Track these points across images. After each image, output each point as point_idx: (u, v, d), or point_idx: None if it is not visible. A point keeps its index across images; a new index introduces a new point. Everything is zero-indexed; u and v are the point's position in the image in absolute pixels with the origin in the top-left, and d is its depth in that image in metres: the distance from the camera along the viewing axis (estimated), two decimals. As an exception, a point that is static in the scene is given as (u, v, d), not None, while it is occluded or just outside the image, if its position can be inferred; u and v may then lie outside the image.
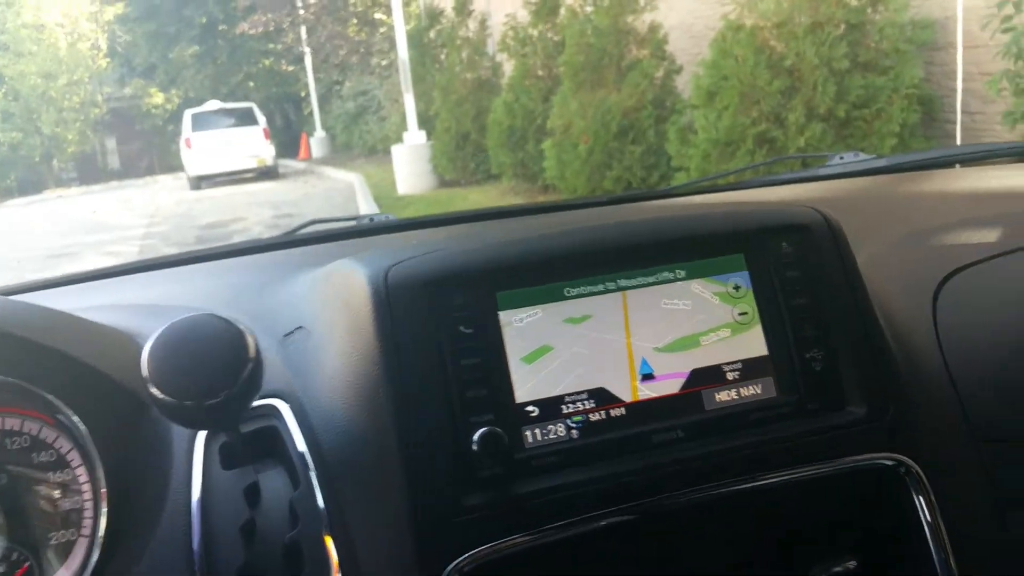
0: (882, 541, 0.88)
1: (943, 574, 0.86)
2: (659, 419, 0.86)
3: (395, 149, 12.08)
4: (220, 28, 25.65)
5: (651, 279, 0.89)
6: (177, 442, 0.83)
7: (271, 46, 24.29)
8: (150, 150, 28.04)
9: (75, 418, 0.79)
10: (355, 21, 20.38)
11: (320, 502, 0.80)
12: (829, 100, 6.05)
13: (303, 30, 21.19)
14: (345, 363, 0.84)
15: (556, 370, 0.85)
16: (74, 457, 0.79)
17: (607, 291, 0.87)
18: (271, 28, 21.17)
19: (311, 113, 22.47)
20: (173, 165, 20.03)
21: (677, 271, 0.89)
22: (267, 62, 26.08)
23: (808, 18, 6.05)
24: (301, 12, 20.67)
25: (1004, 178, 1.49)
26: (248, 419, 0.85)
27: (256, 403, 0.84)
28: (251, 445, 0.84)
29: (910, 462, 0.87)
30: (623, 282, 0.88)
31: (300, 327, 0.93)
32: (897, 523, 0.88)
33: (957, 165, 1.72)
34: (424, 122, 11.99)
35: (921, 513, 0.87)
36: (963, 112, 5.98)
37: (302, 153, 21.19)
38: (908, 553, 0.87)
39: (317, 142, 21.44)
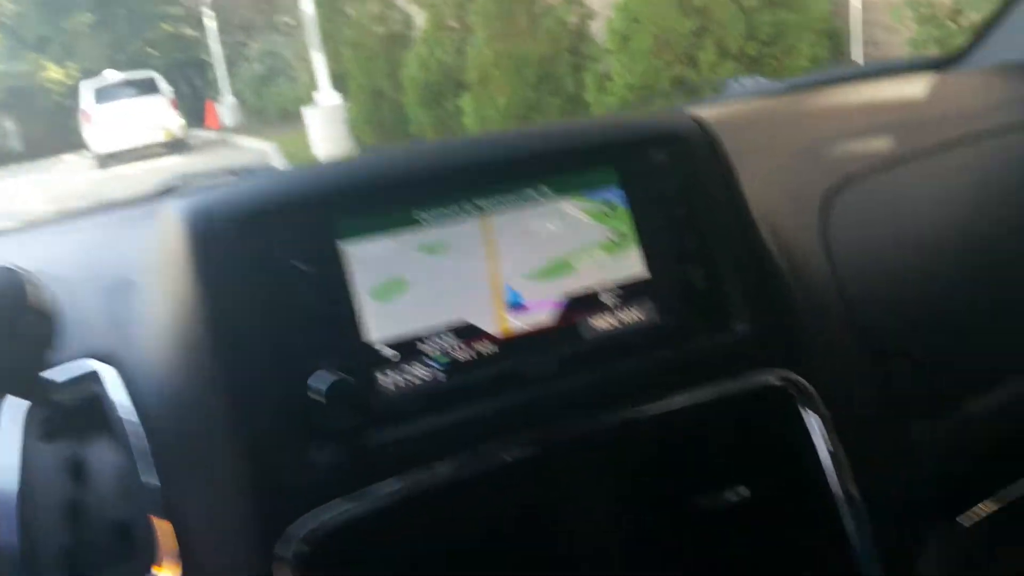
0: (775, 465, 0.82)
1: (841, 493, 0.80)
2: (532, 352, 0.78)
3: (307, 112, 11.67)
4: (114, -8, 24.49)
5: (514, 199, 0.80)
6: None
7: (170, 10, 23.26)
8: (54, 129, 26.81)
9: None
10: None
11: (148, 476, 0.71)
12: (739, 38, 6.04)
13: (202, -11, 20.32)
14: (167, 315, 0.75)
15: (412, 305, 0.76)
16: None
17: (465, 214, 0.79)
18: (169, -10, 20.23)
19: (217, 78, 21.73)
20: (79, 144, 19.08)
21: (543, 189, 0.81)
22: (167, 27, 24.98)
23: (716, -45, 6.01)
24: (199, -29, 19.80)
25: (899, 89, 1.44)
26: (68, 384, 0.74)
27: (76, 366, 0.74)
28: (74, 415, 0.74)
29: (800, 379, 0.81)
30: (482, 203, 0.79)
31: (127, 280, 0.83)
32: (791, 445, 0.82)
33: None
34: (337, 81, 11.62)
35: (814, 432, 0.81)
36: (868, 42, 6.03)
37: (209, 121, 20.42)
38: (803, 475, 0.82)
39: (228, 109, 20.65)
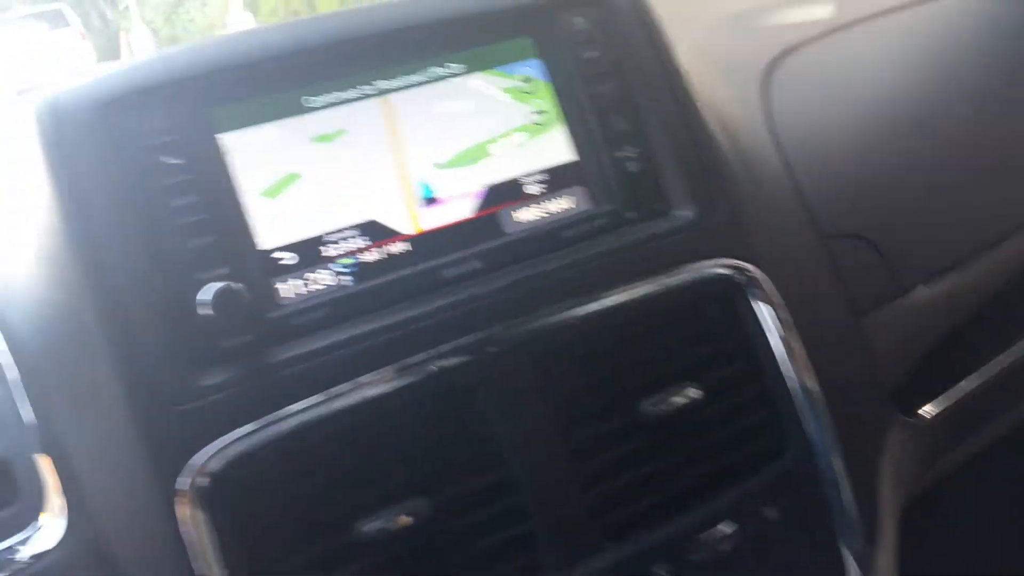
0: (727, 361, 0.75)
1: (798, 387, 0.74)
2: (449, 251, 0.70)
3: (222, 37, 11.18)
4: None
5: (418, 77, 0.70)
6: None
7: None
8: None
9: None
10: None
11: (24, 408, 0.62)
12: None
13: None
14: (27, 224, 0.64)
15: (310, 203, 0.66)
16: None
17: (363, 97, 0.69)
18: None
19: (128, 8, 20.70)
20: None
21: (450, 65, 0.72)
22: (72, -44, 23.64)
23: None
24: None
25: None
26: None
27: None
28: None
29: (750, 268, 0.74)
30: (383, 84, 0.69)
31: None
32: (742, 339, 0.75)
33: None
34: (249, 5, 11.12)
35: (767, 324, 0.74)
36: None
37: (124, 53, 19.52)
38: (758, 370, 0.75)
39: (138, 39, 19.77)
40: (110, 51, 19.97)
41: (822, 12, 1.04)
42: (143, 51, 19.20)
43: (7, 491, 0.62)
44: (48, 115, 0.62)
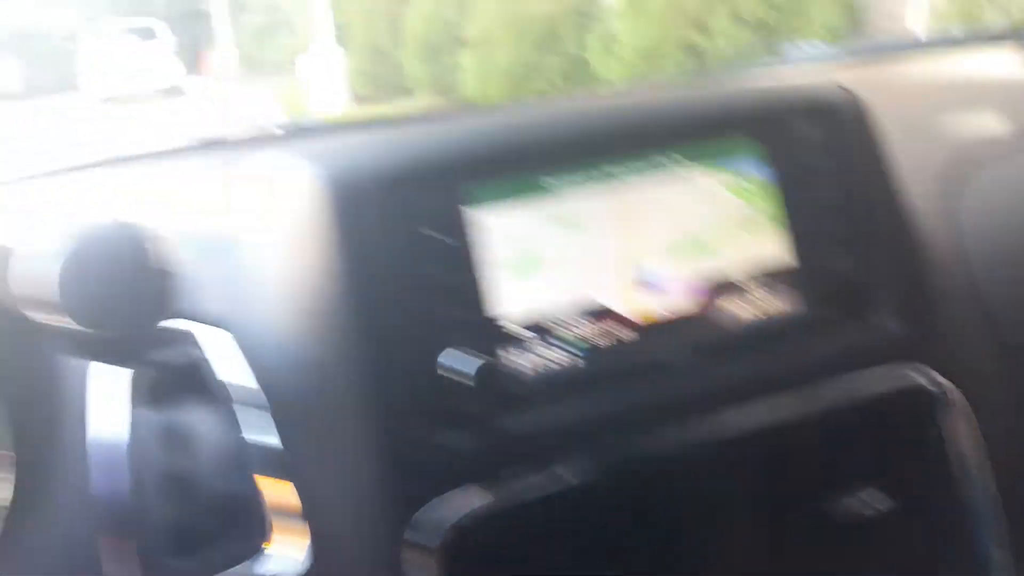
0: (915, 474, 0.77)
1: (982, 506, 0.75)
2: (670, 339, 0.72)
3: (301, 59, 11.54)
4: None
5: (643, 165, 0.73)
6: (79, 379, 0.68)
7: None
8: (54, 72, 26.29)
9: None
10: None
11: (266, 443, 0.66)
12: (753, 4, 5.94)
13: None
14: (288, 279, 0.69)
15: (547, 282, 0.70)
16: None
17: (595, 181, 0.72)
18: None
19: (215, 29, 21.42)
20: (77, 87, 18.82)
21: (674, 156, 0.74)
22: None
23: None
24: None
25: (991, 61, 1.36)
26: (167, 344, 0.69)
27: (188, 329, 0.69)
28: (185, 381, 0.69)
29: (946, 383, 0.76)
30: (610, 168, 0.73)
31: (243, 239, 0.76)
32: (934, 451, 0.77)
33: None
34: (336, 34, 11.46)
35: (957, 437, 0.76)
36: (884, 13, 5.95)
37: (206, 70, 20.22)
38: (944, 484, 0.76)
39: (226, 58, 20.45)
40: (192, 68, 20.66)
41: (999, 122, 1.05)
42: (226, 71, 19.84)
43: (238, 520, 0.66)
44: (337, 187, 0.66)
